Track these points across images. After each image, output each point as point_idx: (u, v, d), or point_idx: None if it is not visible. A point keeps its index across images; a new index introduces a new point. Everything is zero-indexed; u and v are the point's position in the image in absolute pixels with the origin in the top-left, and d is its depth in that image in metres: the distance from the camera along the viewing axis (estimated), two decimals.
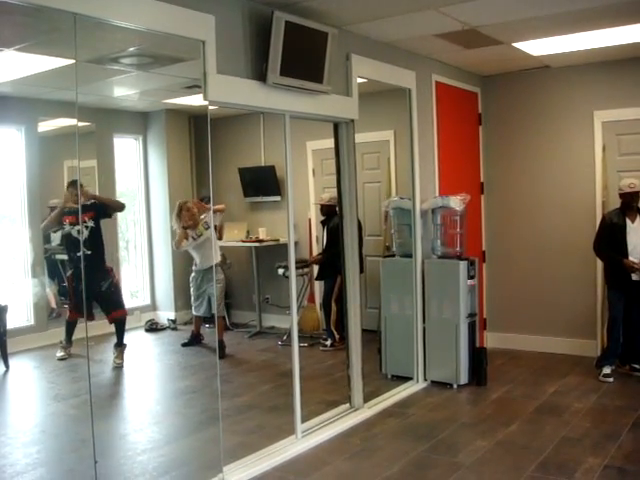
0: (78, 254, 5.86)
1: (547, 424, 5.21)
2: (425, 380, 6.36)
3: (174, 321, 7.70)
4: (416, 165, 6.31)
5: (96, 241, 6.01)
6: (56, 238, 6.73)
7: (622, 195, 6.13)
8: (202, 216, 7.08)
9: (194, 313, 7.28)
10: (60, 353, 6.01)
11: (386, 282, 6.50)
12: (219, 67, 4.25)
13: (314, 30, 4.76)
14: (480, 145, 7.70)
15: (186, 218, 7.06)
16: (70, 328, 6.02)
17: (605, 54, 6.52)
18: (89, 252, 5.87)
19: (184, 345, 7.22)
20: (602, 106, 6.92)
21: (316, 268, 7.98)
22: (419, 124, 6.34)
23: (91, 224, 5.96)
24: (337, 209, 5.84)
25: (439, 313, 6.25)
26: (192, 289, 7.22)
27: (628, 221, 6.10)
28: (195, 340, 7.24)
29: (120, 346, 6.16)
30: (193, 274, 7.21)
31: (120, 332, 6.19)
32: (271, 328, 8.40)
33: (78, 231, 5.86)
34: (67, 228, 5.90)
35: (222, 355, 7.04)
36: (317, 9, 4.79)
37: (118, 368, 6.20)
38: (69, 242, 5.94)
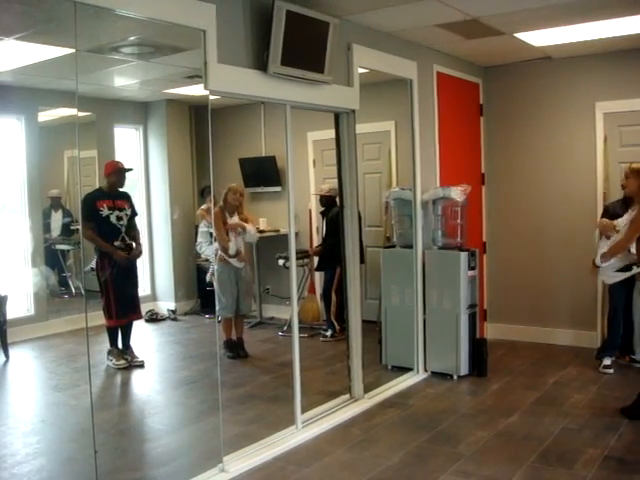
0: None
1: (547, 415, 5.21)
2: (425, 371, 6.37)
3: (174, 311, 7.71)
4: (417, 156, 6.29)
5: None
6: (56, 228, 6.73)
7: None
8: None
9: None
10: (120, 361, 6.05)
11: (386, 273, 6.49)
12: (220, 57, 4.23)
13: (315, 20, 4.73)
14: (481, 136, 7.67)
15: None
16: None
17: (607, 45, 6.49)
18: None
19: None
20: (604, 97, 6.89)
21: (316, 259, 7.97)
22: (420, 115, 6.32)
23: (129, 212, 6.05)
24: (337, 200, 5.82)
25: (439, 304, 6.25)
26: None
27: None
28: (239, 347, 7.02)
29: (128, 347, 6.15)
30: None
31: (130, 332, 6.18)
32: (271, 319, 8.40)
33: (118, 217, 5.90)
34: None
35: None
36: None
37: (140, 366, 6.20)
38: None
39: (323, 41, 4.83)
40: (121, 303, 6.01)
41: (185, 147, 8.08)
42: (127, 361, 6.08)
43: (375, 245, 7.36)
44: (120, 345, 6.09)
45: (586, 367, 6.43)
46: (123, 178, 6.07)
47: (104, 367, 6.05)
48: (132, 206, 6.17)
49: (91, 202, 5.84)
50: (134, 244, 6.13)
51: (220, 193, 6.75)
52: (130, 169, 6.26)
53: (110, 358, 6.03)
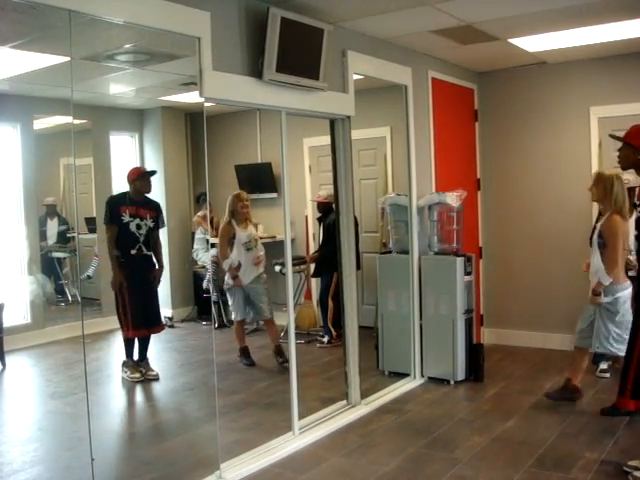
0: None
1: (544, 420, 5.22)
2: (422, 376, 6.37)
3: (171, 318, 7.69)
4: (412, 161, 6.31)
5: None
6: (52, 236, 6.72)
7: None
8: None
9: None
10: (135, 374, 5.95)
11: (383, 279, 6.50)
12: (215, 64, 4.25)
13: (310, 26, 4.75)
14: (476, 141, 7.69)
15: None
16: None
17: (601, 50, 6.51)
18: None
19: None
20: (598, 102, 6.92)
21: (313, 265, 7.97)
22: (415, 120, 6.34)
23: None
24: (334, 206, 5.83)
25: (436, 309, 6.25)
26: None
27: None
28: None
29: (144, 360, 6.04)
30: None
31: (147, 345, 6.08)
32: None
33: (137, 226, 5.80)
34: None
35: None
36: (313, 5, 4.79)
37: (155, 380, 6.11)
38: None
39: (318, 48, 4.85)
40: (139, 313, 5.89)
41: (181, 154, 8.07)
42: (142, 374, 5.99)
43: (371, 251, 7.37)
44: (136, 357, 6.00)
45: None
46: (148, 182, 5.91)
47: (114, 379, 6.03)
48: (157, 217, 6.02)
49: (115, 205, 5.74)
50: (153, 256, 6.03)
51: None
52: (154, 172, 6.16)
53: (125, 370, 5.97)
